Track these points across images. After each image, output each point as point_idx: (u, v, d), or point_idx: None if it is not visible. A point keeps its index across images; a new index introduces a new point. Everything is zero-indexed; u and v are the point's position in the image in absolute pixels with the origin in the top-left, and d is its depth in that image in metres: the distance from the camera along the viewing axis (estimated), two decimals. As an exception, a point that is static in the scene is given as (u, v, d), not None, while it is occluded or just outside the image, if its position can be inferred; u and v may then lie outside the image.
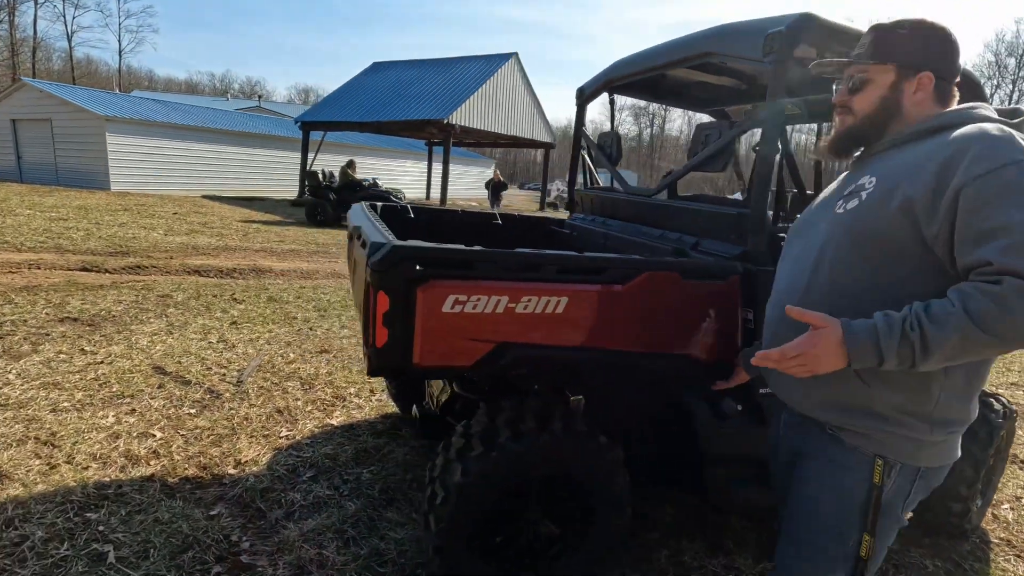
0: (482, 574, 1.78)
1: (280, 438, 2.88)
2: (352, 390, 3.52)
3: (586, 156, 3.22)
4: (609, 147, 2.92)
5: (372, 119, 16.21)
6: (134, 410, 3.00)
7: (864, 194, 1.14)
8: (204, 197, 16.49)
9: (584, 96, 3.06)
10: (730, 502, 2.01)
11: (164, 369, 3.57)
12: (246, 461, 2.63)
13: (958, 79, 1.22)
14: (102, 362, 3.59)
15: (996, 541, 2.55)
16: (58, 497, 2.24)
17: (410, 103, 16.61)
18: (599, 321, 1.70)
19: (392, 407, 3.29)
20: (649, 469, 2.12)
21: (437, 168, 24.60)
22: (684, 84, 2.97)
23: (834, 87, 1.33)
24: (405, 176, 24.80)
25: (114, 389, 3.23)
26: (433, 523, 1.71)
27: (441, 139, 17.49)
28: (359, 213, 2.47)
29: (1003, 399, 2.48)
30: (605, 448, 1.81)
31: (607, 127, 3.27)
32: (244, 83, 70.37)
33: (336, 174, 13.66)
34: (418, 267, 1.51)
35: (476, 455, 1.70)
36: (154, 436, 2.77)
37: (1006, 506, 2.84)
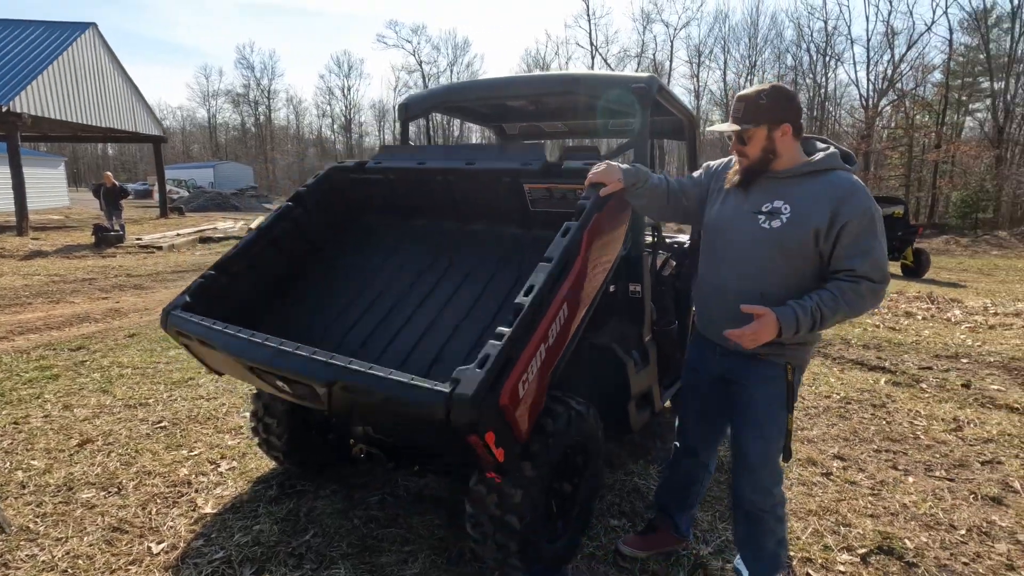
0: (552, 549, 2.05)
1: (158, 555, 2.20)
2: (185, 471, 2.82)
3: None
4: None
5: None
6: None
7: (784, 217, 1.75)
8: None
9: (408, 113, 3.21)
10: (638, 425, 2.76)
11: None
12: (151, 597, 1.97)
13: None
14: None
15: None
16: None
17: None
18: (582, 294, 1.98)
19: (259, 468, 2.83)
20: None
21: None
22: (494, 107, 3.47)
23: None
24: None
25: None
26: (517, 521, 1.89)
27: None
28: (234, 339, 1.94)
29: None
30: (595, 414, 2.29)
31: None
32: None
33: None
34: (486, 395, 1.55)
35: (537, 448, 1.94)
36: (-52, 643, 1.75)
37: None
